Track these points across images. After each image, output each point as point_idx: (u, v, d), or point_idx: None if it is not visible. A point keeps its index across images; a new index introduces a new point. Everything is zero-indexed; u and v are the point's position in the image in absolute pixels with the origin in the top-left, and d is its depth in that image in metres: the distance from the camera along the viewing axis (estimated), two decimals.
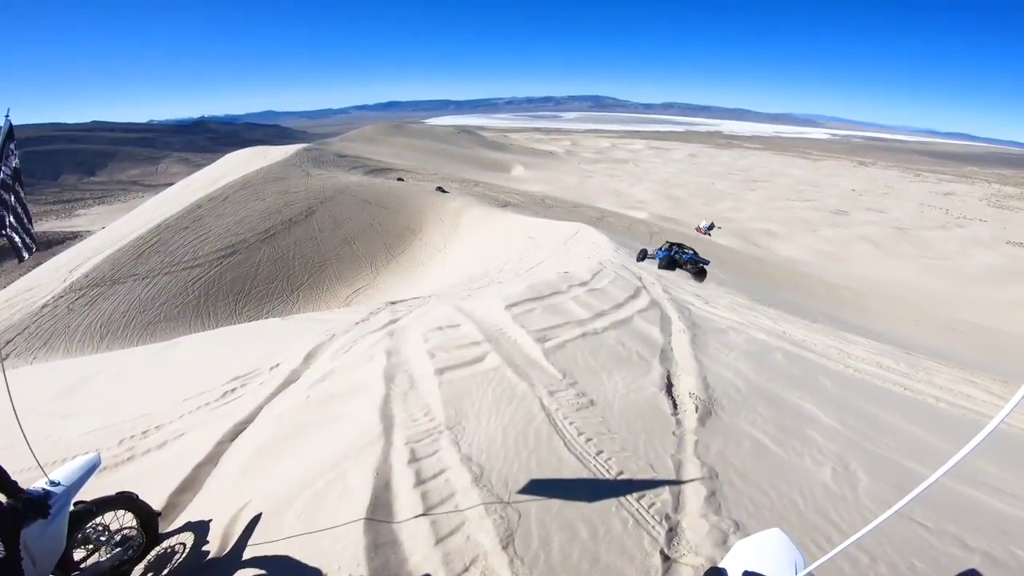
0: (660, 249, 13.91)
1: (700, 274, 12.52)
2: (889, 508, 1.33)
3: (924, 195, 69.54)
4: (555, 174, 65.41)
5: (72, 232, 47.02)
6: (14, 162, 2.92)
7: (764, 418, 4.15)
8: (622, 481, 3.22)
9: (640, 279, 9.10)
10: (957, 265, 37.79)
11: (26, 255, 3.06)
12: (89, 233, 37.31)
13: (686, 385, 4.62)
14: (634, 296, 7.69)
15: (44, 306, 12.50)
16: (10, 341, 11.23)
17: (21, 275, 20.66)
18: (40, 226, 53.63)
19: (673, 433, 3.81)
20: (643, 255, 13.53)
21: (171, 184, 33.49)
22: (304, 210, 18.50)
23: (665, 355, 5.37)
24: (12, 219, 2.95)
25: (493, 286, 9.89)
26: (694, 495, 3.13)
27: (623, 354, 5.26)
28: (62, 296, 12.91)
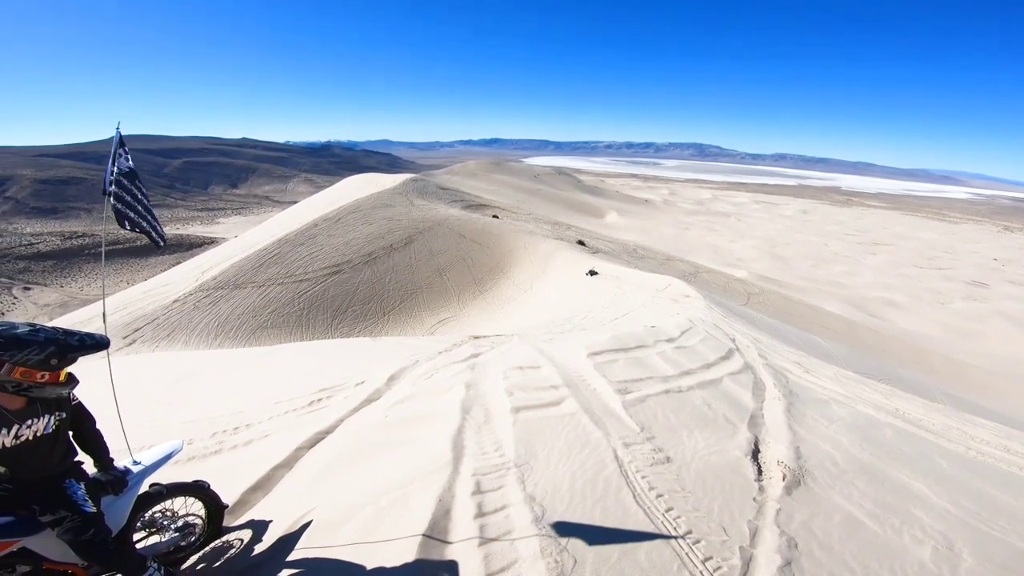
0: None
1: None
2: None
3: None
4: (650, 223, 64.11)
5: (210, 237, 53.64)
6: (126, 165, 3.35)
7: (862, 493, 3.77)
8: (689, 540, 3.02)
9: (733, 340, 8.49)
10: None
11: (161, 243, 3.52)
12: (224, 240, 42.28)
13: (775, 453, 4.27)
14: (726, 358, 7.24)
15: (175, 301, 14.15)
16: (138, 329, 12.76)
17: (163, 271, 23.73)
18: (187, 229, 61.78)
19: (754, 499, 3.55)
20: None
21: (296, 202, 37.20)
22: (404, 238, 19.61)
23: (755, 421, 5.00)
24: (134, 215, 3.36)
25: (577, 332, 9.73)
26: (766, 563, 2.90)
27: (708, 415, 4.97)
28: (191, 294, 14.57)
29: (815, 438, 4.71)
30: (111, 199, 3.20)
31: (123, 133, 3.28)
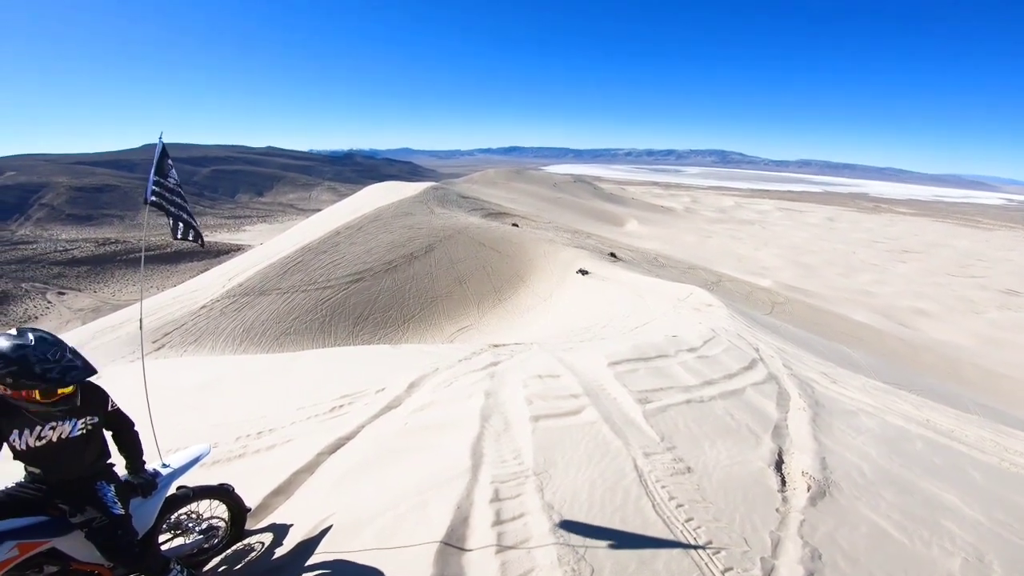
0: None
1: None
2: None
3: None
4: (671, 231, 63.40)
5: (237, 245, 54.97)
6: (176, 177, 3.58)
7: (890, 504, 3.68)
8: (709, 551, 2.97)
9: (757, 350, 8.33)
10: None
11: (200, 242, 3.77)
12: (250, 247, 43.25)
13: (799, 464, 4.19)
14: (749, 368, 7.11)
15: (203, 307, 14.50)
16: (167, 334, 13.10)
17: (192, 277, 24.36)
18: (215, 236, 63.37)
19: (777, 510, 3.48)
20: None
21: (319, 210, 37.92)
22: (425, 246, 19.79)
23: (779, 431, 4.91)
24: (185, 219, 3.59)
25: (597, 341, 9.68)
26: (788, 574, 2.85)
27: (731, 425, 4.90)
28: (218, 300, 14.92)
29: (842, 449, 4.61)
30: (172, 207, 3.38)
31: (153, 141, 3.45)
